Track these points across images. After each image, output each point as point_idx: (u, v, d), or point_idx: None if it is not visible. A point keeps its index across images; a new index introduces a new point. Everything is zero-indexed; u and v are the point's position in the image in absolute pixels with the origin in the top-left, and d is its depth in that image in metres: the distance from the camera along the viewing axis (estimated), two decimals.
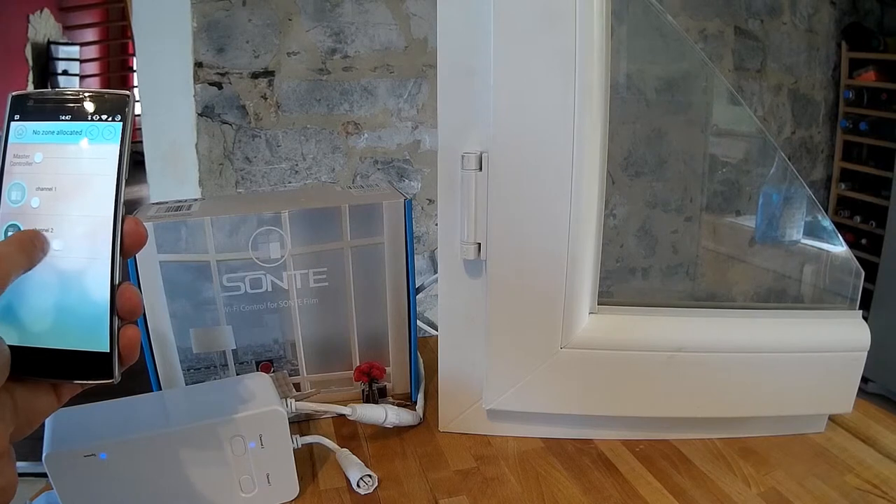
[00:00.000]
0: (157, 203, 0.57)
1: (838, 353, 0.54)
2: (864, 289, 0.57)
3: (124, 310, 0.30)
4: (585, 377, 0.54)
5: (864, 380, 0.55)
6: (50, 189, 0.30)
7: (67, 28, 3.75)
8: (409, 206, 0.56)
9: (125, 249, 0.31)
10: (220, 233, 0.53)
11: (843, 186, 2.11)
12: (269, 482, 0.47)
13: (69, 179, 0.30)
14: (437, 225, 0.60)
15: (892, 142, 1.93)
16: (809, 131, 2.04)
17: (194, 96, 1.40)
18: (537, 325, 0.53)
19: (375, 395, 0.61)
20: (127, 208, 0.31)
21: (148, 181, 1.42)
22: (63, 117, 0.31)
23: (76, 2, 3.80)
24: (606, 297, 0.56)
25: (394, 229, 0.56)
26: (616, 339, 0.54)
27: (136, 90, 1.50)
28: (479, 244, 0.52)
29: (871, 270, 1.95)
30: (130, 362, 0.31)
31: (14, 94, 0.31)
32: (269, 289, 0.55)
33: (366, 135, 1.54)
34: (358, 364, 0.60)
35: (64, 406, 0.32)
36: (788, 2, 1.85)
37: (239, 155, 1.46)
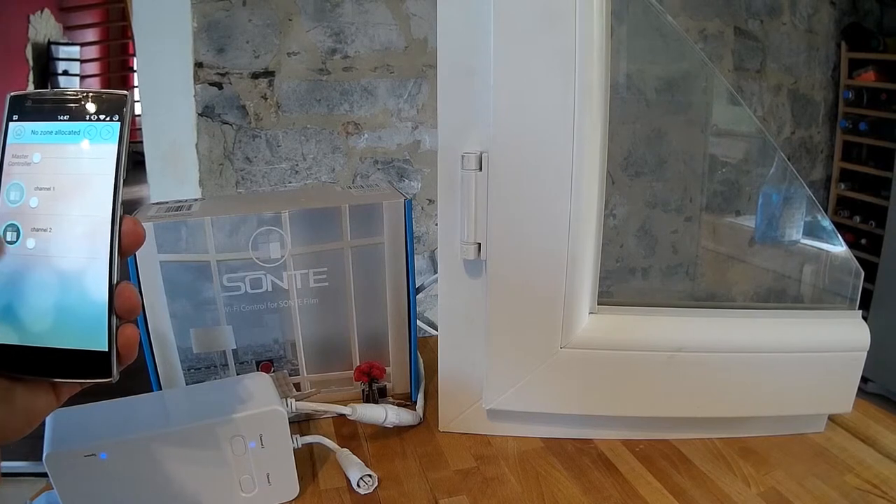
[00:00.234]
0: (157, 203, 0.57)
1: (838, 353, 0.54)
2: (863, 289, 0.57)
3: (123, 309, 0.30)
4: (585, 377, 0.54)
5: (864, 380, 0.55)
6: (48, 189, 0.30)
7: (68, 28, 3.75)
8: (409, 206, 0.56)
9: (123, 249, 0.31)
10: (221, 233, 0.53)
11: (842, 186, 2.11)
12: (269, 482, 0.47)
13: (68, 179, 0.30)
14: (437, 225, 0.60)
15: (891, 142, 1.93)
16: (809, 131, 2.04)
17: (194, 96, 1.40)
18: (537, 325, 0.53)
19: (375, 394, 0.61)
20: (127, 208, 0.31)
21: (148, 181, 1.42)
22: (61, 117, 0.31)
23: (77, 2, 3.80)
24: (606, 297, 0.56)
25: (394, 229, 0.56)
26: (616, 339, 0.54)
27: (136, 90, 1.50)
28: (479, 244, 0.52)
29: (870, 270, 1.95)
30: (129, 361, 0.31)
31: (12, 94, 0.31)
32: (270, 289, 0.55)
33: (366, 135, 1.54)
34: (358, 364, 0.60)
35: (63, 405, 0.32)
36: (788, 2, 1.85)
37: (239, 155, 1.46)
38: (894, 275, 1.92)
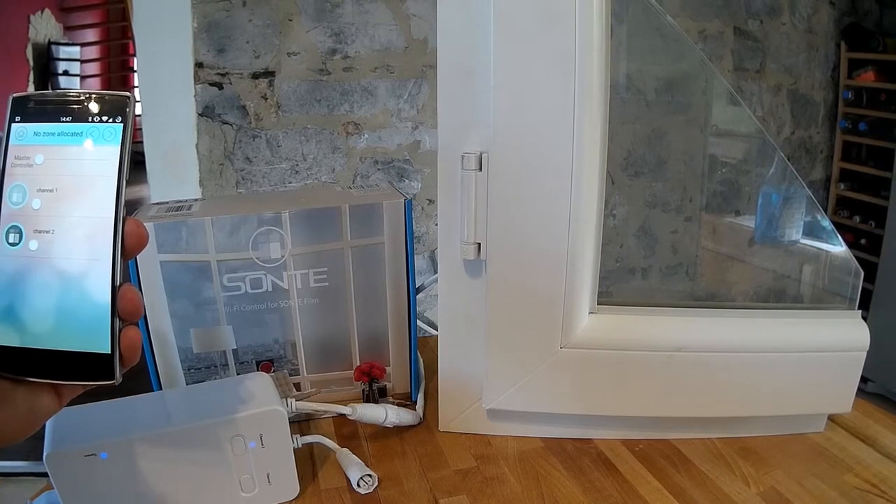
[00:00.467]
0: (157, 203, 0.57)
1: (837, 353, 0.54)
2: (863, 289, 0.57)
3: (125, 311, 0.30)
4: (585, 377, 0.54)
5: (864, 379, 0.55)
6: (51, 190, 0.30)
7: (68, 28, 3.75)
8: (409, 206, 0.56)
9: (126, 251, 0.31)
10: (221, 233, 0.53)
11: (842, 186, 2.11)
12: (269, 482, 0.47)
13: (70, 181, 0.30)
14: (437, 225, 0.60)
15: (891, 142, 1.93)
16: (809, 131, 2.04)
17: (195, 96, 1.40)
18: (537, 325, 0.53)
19: (375, 394, 0.61)
20: (127, 208, 0.31)
21: (148, 181, 1.42)
22: (64, 119, 0.31)
23: (77, 2, 3.80)
24: (606, 296, 0.56)
25: (394, 229, 0.56)
26: (616, 339, 0.54)
27: (136, 90, 1.50)
28: (479, 244, 0.52)
29: (870, 270, 1.95)
30: (131, 364, 0.31)
31: (15, 95, 0.31)
32: (270, 289, 0.55)
33: (366, 135, 1.54)
34: (358, 364, 0.60)
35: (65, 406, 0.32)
36: (788, 2, 1.85)
37: (239, 155, 1.46)
38: (894, 275, 1.92)
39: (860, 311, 0.56)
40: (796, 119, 1.98)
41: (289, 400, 0.50)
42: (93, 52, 3.93)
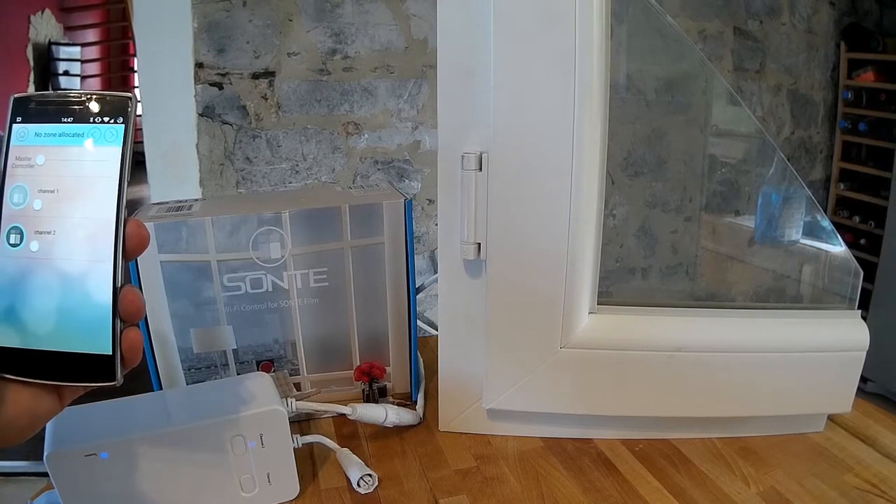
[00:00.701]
0: (157, 203, 0.57)
1: (837, 353, 0.54)
2: (862, 289, 0.57)
3: (126, 312, 0.30)
4: (585, 377, 0.54)
5: (863, 379, 0.55)
6: (52, 191, 0.30)
7: (68, 29, 3.75)
8: (409, 206, 0.56)
9: (127, 252, 0.31)
10: (221, 233, 0.53)
11: (842, 186, 2.11)
12: (269, 481, 0.47)
13: (71, 182, 0.30)
14: (437, 225, 0.60)
15: (890, 142, 1.93)
16: (808, 132, 2.04)
17: (195, 97, 1.40)
18: (537, 325, 0.53)
19: (375, 394, 0.61)
20: (128, 209, 0.31)
21: (148, 181, 1.42)
22: (65, 119, 0.31)
23: (77, 2, 3.80)
24: (606, 297, 0.56)
25: (394, 229, 0.56)
26: (616, 339, 0.54)
27: (136, 90, 1.50)
28: (479, 244, 0.52)
29: (870, 270, 1.95)
30: (133, 365, 0.31)
31: (16, 96, 0.31)
32: (270, 289, 0.55)
33: (366, 135, 1.54)
34: (358, 364, 0.60)
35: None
36: (787, 2, 1.85)
37: (239, 155, 1.46)
38: (893, 275, 1.92)
39: (860, 311, 0.56)
40: (796, 119, 1.98)
41: (289, 400, 0.50)
42: (93, 52, 3.93)
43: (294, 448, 0.48)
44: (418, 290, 0.60)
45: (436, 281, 0.57)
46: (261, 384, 0.49)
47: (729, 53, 1.81)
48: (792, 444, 0.56)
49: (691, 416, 0.56)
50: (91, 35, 3.91)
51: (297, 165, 1.51)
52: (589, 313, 0.54)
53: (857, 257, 0.56)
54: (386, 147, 1.56)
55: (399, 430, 0.58)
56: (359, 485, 0.50)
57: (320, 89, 1.48)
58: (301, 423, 0.59)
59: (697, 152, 1.62)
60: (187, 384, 0.56)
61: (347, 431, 0.59)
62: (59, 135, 0.31)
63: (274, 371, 0.58)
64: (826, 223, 0.60)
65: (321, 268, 0.56)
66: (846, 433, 0.58)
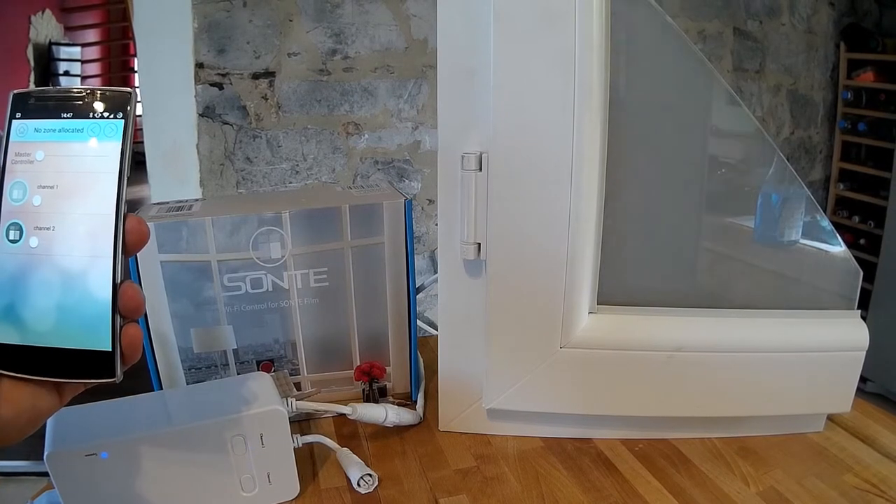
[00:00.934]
0: (158, 203, 0.57)
1: (837, 353, 0.54)
2: (862, 289, 0.57)
3: (126, 308, 0.30)
4: (585, 377, 0.54)
5: (863, 379, 0.55)
6: (52, 187, 0.30)
7: (69, 29, 3.75)
8: (409, 207, 0.56)
9: (127, 247, 0.31)
10: (221, 233, 0.53)
11: (841, 187, 2.11)
12: (269, 481, 0.47)
13: (71, 177, 0.30)
14: (437, 225, 0.61)
15: (890, 142, 1.93)
16: (808, 132, 2.04)
17: (195, 97, 1.40)
18: (537, 325, 0.53)
19: (376, 394, 0.61)
20: (128, 208, 0.31)
21: (149, 181, 1.42)
22: (65, 115, 0.31)
23: (77, 3, 3.80)
24: (606, 297, 0.56)
25: (394, 229, 0.56)
26: (616, 339, 0.54)
27: (137, 90, 1.50)
28: (479, 244, 0.52)
29: (869, 270, 1.95)
30: (133, 361, 0.31)
31: (15, 92, 0.31)
32: (270, 288, 0.55)
33: (366, 135, 1.54)
34: (358, 363, 0.60)
35: (66, 405, 0.32)
36: (787, 3, 1.85)
37: (240, 155, 1.46)
38: (893, 275, 1.92)
39: (859, 311, 0.56)
40: (796, 119, 1.98)
41: (289, 399, 0.51)
42: (93, 52, 3.93)
43: (294, 448, 0.48)
44: (418, 290, 0.60)
45: (436, 281, 0.57)
46: (261, 384, 0.49)
47: (728, 54, 1.81)
48: (791, 443, 0.56)
49: (691, 416, 0.56)
50: (91, 35, 3.91)
51: (297, 165, 1.51)
52: (589, 313, 0.54)
53: (856, 257, 0.56)
54: (386, 147, 1.56)
55: (399, 429, 0.58)
56: (359, 484, 0.50)
57: (320, 89, 1.48)
58: (301, 422, 0.59)
59: (697, 152, 1.62)
60: (187, 384, 0.56)
61: (347, 431, 0.59)
62: (59, 130, 0.31)
63: (274, 371, 0.58)
64: (826, 223, 0.60)
65: (321, 268, 0.56)
66: (846, 433, 0.58)
